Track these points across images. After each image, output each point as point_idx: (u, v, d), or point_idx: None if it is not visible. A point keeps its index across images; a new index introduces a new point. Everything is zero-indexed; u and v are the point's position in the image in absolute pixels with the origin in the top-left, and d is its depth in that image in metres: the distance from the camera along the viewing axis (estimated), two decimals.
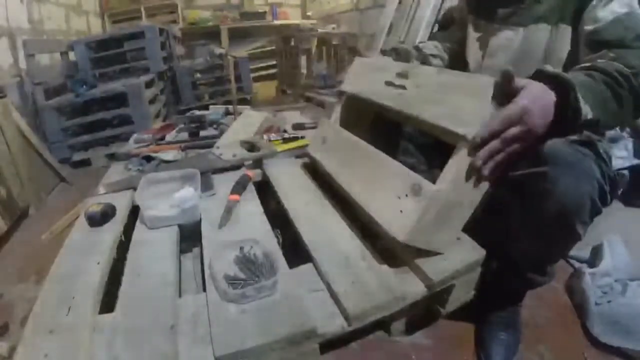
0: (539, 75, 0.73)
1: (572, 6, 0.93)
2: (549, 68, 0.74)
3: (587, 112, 0.70)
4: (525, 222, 0.86)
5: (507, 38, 1.05)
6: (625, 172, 1.51)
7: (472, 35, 1.18)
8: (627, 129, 1.65)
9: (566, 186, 0.76)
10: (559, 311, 1.06)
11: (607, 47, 0.83)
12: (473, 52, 1.17)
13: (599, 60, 0.80)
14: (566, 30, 0.95)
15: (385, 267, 0.89)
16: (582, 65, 0.82)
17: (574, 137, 0.81)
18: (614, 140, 1.61)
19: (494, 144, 0.71)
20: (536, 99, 0.69)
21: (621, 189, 1.53)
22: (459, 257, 0.91)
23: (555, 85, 0.70)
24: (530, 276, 0.92)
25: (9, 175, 1.66)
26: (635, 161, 1.55)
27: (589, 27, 0.88)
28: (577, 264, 1.22)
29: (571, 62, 0.92)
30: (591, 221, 0.81)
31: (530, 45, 1.01)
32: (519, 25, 1.02)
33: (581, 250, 1.27)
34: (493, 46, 1.09)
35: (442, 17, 1.09)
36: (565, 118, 0.70)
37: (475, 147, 0.73)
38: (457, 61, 1.25)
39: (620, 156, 1.55)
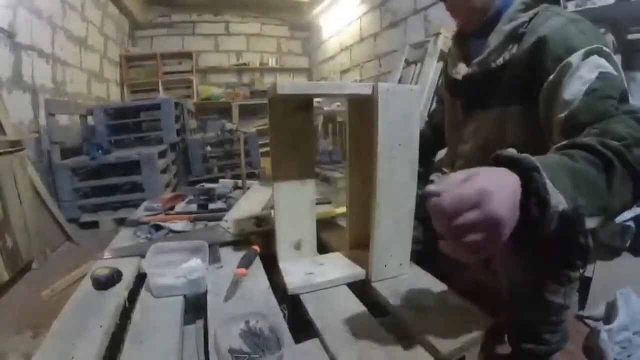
0: (497, 162, 0.58)
1: (519, 84, 0.86)
2: (508, 152, 0.57)
3: (558, 201, 0.53)
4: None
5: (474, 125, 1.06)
6: (630, 222, 1.47)
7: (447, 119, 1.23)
8: None
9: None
10: None
11: (588, 127, 0.69)
12: (449, 136, 1.23)
13: (579, 139, 0.66)
14: (516, 110, 0.89)
15: (393, 342, 0.88)
16: (559, 144, 0.68)
17: None
18: None
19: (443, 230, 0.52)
20: (495, 179, 0.51)
21: (629, 240, 1.48)
22: (469, 328, 0.89)
23: (518, 171, 0.54)
24: (522, 344, 0.94)
25: (17, 227, 1.68)
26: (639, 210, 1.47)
27: (561, 115, 0.75)
28: (592, 323, 1.18)
29: (533, 145, 0.69)
30: (565, 287, 0.87)
31: (487, 132, 1.00)
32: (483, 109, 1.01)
33: (595, 308, 1.24)
34: (464, 133, 1.11)
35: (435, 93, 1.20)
36: (530, 211, 0.53)
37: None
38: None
39: None
